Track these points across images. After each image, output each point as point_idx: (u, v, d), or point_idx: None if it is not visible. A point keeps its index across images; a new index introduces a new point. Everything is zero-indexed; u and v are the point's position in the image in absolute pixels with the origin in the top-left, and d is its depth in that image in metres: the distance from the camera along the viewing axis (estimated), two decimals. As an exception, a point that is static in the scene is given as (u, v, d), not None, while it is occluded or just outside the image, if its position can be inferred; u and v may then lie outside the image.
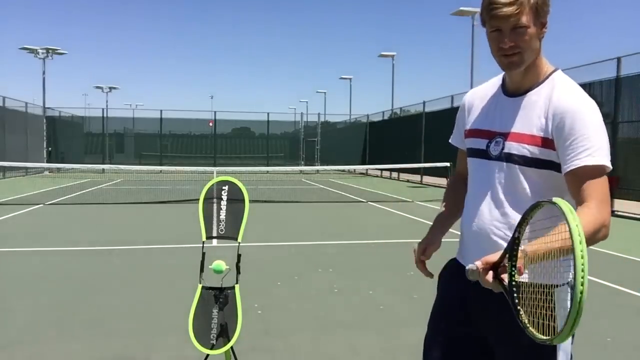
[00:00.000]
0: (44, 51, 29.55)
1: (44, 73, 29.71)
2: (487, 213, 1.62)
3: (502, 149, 1.59)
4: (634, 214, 11.84)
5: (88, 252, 7.26)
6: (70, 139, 32.14)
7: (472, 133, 1.72)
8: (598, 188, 1.45)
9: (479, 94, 1.77)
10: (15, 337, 3.92)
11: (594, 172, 1.46)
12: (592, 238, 1.39)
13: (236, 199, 2.81)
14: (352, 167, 30.48)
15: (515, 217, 1.50)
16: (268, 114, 34.76)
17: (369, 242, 8.11)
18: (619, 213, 12.25)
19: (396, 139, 25.35)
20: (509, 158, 1.57)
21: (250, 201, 2.85)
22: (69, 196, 15.00)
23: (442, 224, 1.83)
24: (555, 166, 1.53)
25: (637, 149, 12.11)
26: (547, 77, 1.60)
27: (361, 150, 31.13)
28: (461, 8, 20.91)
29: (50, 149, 29.13)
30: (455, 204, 1.83)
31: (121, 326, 4.19)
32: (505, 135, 1.59)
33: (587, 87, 13.70)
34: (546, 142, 1.53)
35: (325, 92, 53.20)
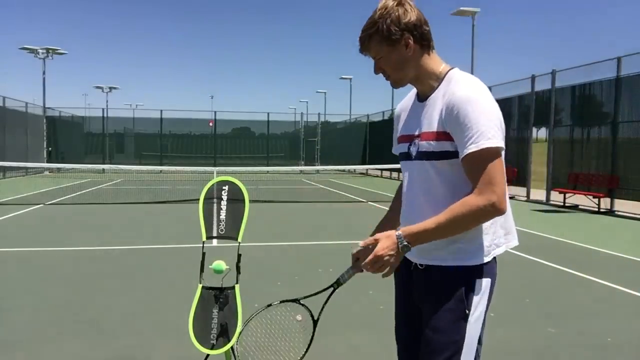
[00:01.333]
0: (44, 51, 29.54)
1: (44, 73, 29.72)
2: (410, 208, 1.84)
3: (418, 148, 1.76)
4: (634, 214, 11.84)
5: (88, 252, 7.26)
6: (70, 139, 32.14)
7: (399, 139, 1.90)
8: (483, 171, 1.60)
9: (403, 105, 1.94)
10: (15, 337, 3.92)
11: (479, 157, 1.60)
12: (469, 219, 1.62)
13: (236, 199, 2.81)
14: (352, 167, 30.47)
15: (431, 209, 1.71)
16: (268, 114, 34.80)
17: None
18: (619, 213, 12.25)
19: (396, 139, 25.27)
20: (421, 156, 1.75)
21: (250, 201, 2.85)
22: (69, 196, 15.00)
23: (379, 229, 2.06)
24: (453, 155, 1.68)
25: (637, 149, 12.11)
26: (442, 78, 1.75)
27: (361, 150, 31.12)
28: (461, 8, 20.89)
29: (50, 149, 29.13)
30: (394, 209, 2.04)
31: (121, 326, 4.19)
32: (419, 137, 1.76)
33: (587, 87, 13.72)
34: (443, 135, 1.68)
35: (325, 92, 53.19)
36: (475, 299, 1.73)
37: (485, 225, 1.73)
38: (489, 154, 1.60)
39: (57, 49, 30.02)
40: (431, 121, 1.72)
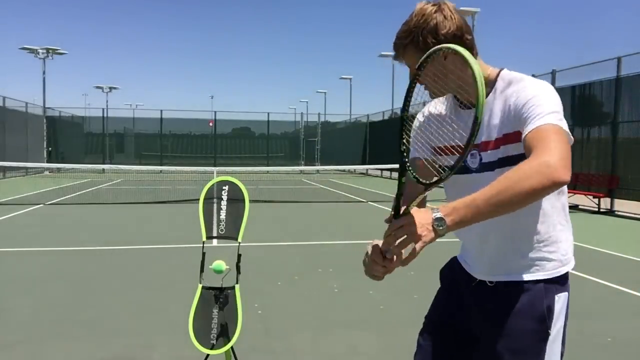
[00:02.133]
0: (44, 51, 29.57)
1: (44, 73, 29.78)
2: (479, 227, 1.51)
3: (481, 159, 1.57)
4: (634, 214, 11.84)
5: (88, 252, 7.26)
6: (70, 139, 32.16)
7: (445, 150, 1.62)
8: (544, 140, 1.37)
9: (432, 112, 1.74)
10: (15, 337, 3.92)
11: (544, 130, 1.40)
12: (521, 184, 1.29)
13: (236, 199, 2.81)
14: (352, 167, 30.48)
15: (506, 219, 1.45)
16: (268, 114, 34.83)
17: (368, 242, 8.11)
18: (619, 213, 12.25)
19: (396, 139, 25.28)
20: (488, 167, 1.56)
21: (250, 201, 2.85)
22: (69, 196, 15.00)
23: None
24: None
25: (637, 149, 12.11)
26: (494, 80, 1.59)
27: (361, 150, 31.11)
28: (461, 8, 20.89)
29: (50, 149, 29.14)
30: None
31: (121, 326, 4.19)
32: (479, 146, 1.57)
33: (587, 87, 13.72)
34: (514, 136, 1.51)
35: (325, 92, 53.18)
36: (555, 316, 1.58)
37: (561, 229, 1.60)
38: (555, 129, 1.41)
39: (57, 49, 30.05)
40: (492, 127, 1.55)
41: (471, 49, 1.55)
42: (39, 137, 27.94)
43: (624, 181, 12.36)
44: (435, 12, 1.54)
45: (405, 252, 1.37)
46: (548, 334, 1.56)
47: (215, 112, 34.41)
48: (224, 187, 2.83)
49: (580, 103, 14.16)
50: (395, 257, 1.37)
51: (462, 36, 1.54)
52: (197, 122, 34.97)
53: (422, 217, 1.32)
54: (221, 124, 34.63)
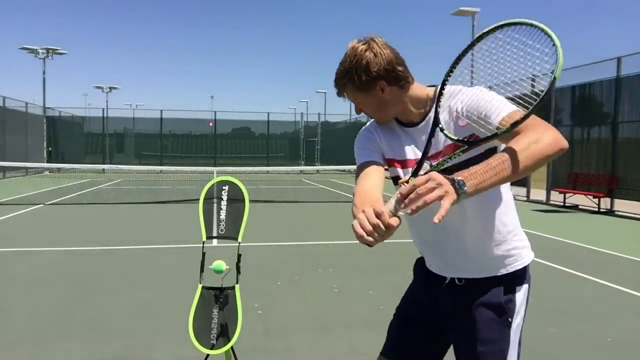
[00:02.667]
0: (44, 51, 29.57)
1: (44, 73, 29.75)
2: (440, 231, 1.71)
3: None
4: (634, 214, 11.84)
5: (88, 252, 7.26)
6: (70, 139, 32.15)
7: (401, 163, 1.76)
8: (531, 121, 1.49)
9: (379, 129, 1.83)
10: (15, 337, 3.92)
11: (515, 115, 1.51)
12: (535, 146, 1.44)
13: (236, 199, 2.81)
14: (352, 167, 30.45)
15: (465, 221, 1.70)
16: (268, 114, 34.83)
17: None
18: (619, 213, 12.25)
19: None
20: (446, 172, 1.59)
21: (250, 201, 2.85)
22: (69, 196, 15.00)
23: None
24: (486, 155, 1.54)
25: (637, 149, 12.11)
26: (433, 98, 1.70)
27: (361, 151, 31.05)
28: (461, 8, 20.89)
29: (50, 149, 29.15)
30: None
31: (121, 326, 4.19)
32: (431, 158, 1.64)
33: (587, 87, 13.72)
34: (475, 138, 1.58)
35: (325, 92, 53.14)
36: (517, 307, 1.74)
37: (517, 219, 1.77)
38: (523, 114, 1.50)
39: (57, 49, 30.04)
40: (440, 139, 1.65)
41: (404, 78, 1.66)
42: (39, 137, 27.94)
43: (624, 181, 12.36)
44: (366, 50, 1.63)
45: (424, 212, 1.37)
46: (510, 323, 1.72)
47: (215, 112, 34.45)
48: (224, 187, 2.83)
49: (580, 103, 14.16)
50: (411, 211, 1.35)
51: (394, 69, 1.64)
52: (197, 122, 34.97)
53: (447, 177, 1.33)
54: (221, 124, 34.64)
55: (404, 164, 1.75)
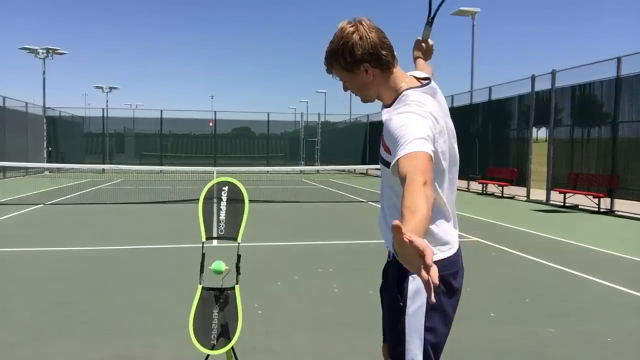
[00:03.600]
0: (44, 51, 29.54)
1: (44, 73, 29.74)
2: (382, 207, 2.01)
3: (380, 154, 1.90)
4: (634, 214, 11.83)
5: (88, 252, 7.26)
6: (70, 139, 32.12)
7: None
8: (404, 175, 1.56)
9: None
10: (15, 337, 3.92)
11: (400, 165, 1.59)
12: (424, 199, 1.46)
13: (236, 199, 2.81)
14: (352, 167, 30.47)
15: (387, 204, 1.93)
16: (268, 114, 34.76)
17: (369, 242, 8.11)
18: (619, 213, 12.25)
19: None
20: (382, 161, 1.90)
21: (250, 201, 2.85)
22: (69, 196, 15.00)
23: None
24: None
25: (637, 149, 12.11)
26: (398, 96, 1.83)
27: (361, 150, 31.12)
28: (461, 8, 20.90)
29: (50, 149, 29.13)
30: None
31: (121, 326, 4.19)
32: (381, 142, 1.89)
33: (587, 87, 13.72)
34: (387, 147, 1.78)
35: (325, 92, 53.23)
36: (410, 293, 1.82)
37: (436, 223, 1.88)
38: (407, 159, 1.59)
39: (57, 49, 30.02)
40: (383, 130, 1.83)
41: (387, 63, 1.78)
42: (39, 137, 27.93)
43: (624, 181, 12.35)
44: (353, 33, 1.75)
45: None
46: (403, 308, 1.83)
47: (215, 112, 34.38)
48: (223, 188, 2.83)
49: (580, 103, 14.16)
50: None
51: (378, 53, 1.76)
52: (197, 122, 34.92)
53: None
54: (221, 124, 34.60)
55: None
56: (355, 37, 1.74)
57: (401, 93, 1.82)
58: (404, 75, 1.87)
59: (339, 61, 1.79)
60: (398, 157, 1.60)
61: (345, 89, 1.88)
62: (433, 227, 1.84)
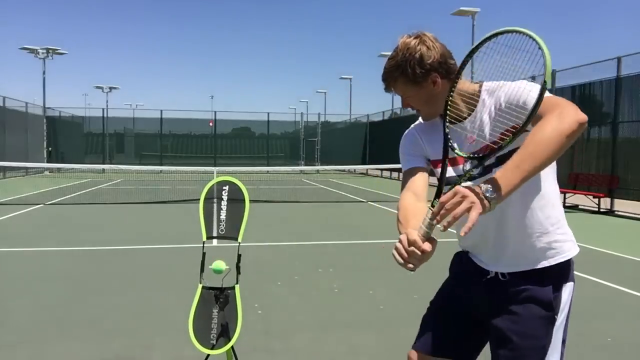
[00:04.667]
0: (44, 51, 29.53)
1: (44, 73, 29.71)
2: (487, 224, 1.69)
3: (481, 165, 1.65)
4: (634, 214, 11.84)
5: (88, 252, 7.26)
6: (70, 139, 32.13)
7: (437, 164, 1.78)
8: (552, 100, 1.52)
9: (423, 129, 1.89)
10: (15, 337, 3.92)
11: (548, 98, 1.51)
12: (555, 133, 1.42)
13: (236, 199, 2.81)
14: (352, 167, 30.47)
15: (513, 213, 1.69)
16: (268, 114, 34.79)
17: (369, 242, 8.11)
18: (619, 213, 12.25)
19: (396, 139, 25.13)
20: (487, 169, 1.66)
21: (250, 201, 2.85)
22: (69, 196, 15.00)
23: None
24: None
25: (637, 149, 12.11)
26: (479, 94, 1.73)
27: (361, 150, 31.11)
28: (461, 8, 20.90)
29: (50, 149, 29.12)
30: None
31: (121, 326, 4.19)
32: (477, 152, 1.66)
33: (587, 87, 13.73)
34: (509, 132, 1.55)
35: (325, 92, 53.09)
36: (563, 304, 1.72)
37: (563, 211, 1.76)
38: (553, 96, 1.55)
39: (57, 49, 30.01)
40: (485, 133, 1.67)
41: (454, 72, 1.70)
42: (39, 137, 27.93)
43: (624, 181, 12.36)
44: (419, 44, 1.66)
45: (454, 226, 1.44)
46: (554, 320, 1.69)
47: (215, 112, 34.40)
48: (224, 188, 2.83)
49: (580, 103, 14.04)
50: (443, 227, 1.40)
51: (446, 62, 1.69)
52: (197, 122, 34.94)
53: (473, 189, 1.38)
54: (221, 124, 34.61)
55: (452, 162, 1.73)
56: (423, 47, 1.66)
57: (482, 88, 1.73)
58: (468, 81, 1.78)
59: (405, 74, 1.67)
60: (541, 93, 1.47)
61: (406, 105, 1.76)
62: (563, 216, 1.77)
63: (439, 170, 1.76)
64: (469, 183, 1.53)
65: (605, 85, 13.07)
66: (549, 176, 1.71)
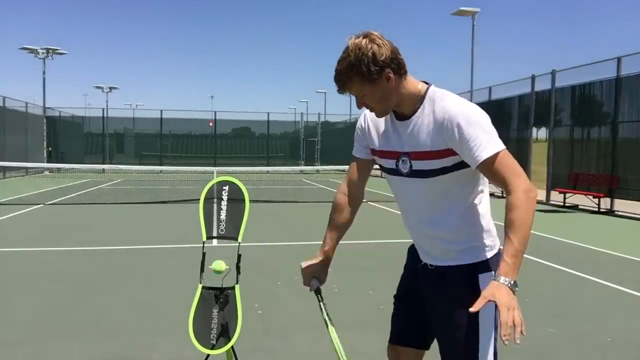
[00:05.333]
0: (44, 51, 29.53)
1: (44, 73, 29.72)
2: (416, 221, 1.95)
3: (411, 167, 1.85)
4: (634, 214, 11.84)
5: (88, 252, 7.26)
6: (70, 139, 32.13)
7: (381, 154, 1.96)
8: (505, 169, 1.70)
9: (373, 119, 2.00)
10: (16, 337, 3.92)
11: (495, 160, 1.70)
12: (530, 212, 1.71)
13: (237, 199, 2.81)
14: (352, 167, 30.41)
15: (435, 217, 1.87)
16: (268, 114, 34.79)
17: (369, 242, 8.11)
18: (619, 213, 12.25)
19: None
20: (417, 174, 1.84)
21: (251, 201, 2.85)
22: (69, 196, 15.00)
23: (325, 254, 2.19)
24: (461, 165, 1.78)
25: (637, 149, 12.11)
26: (423, 98, 1.82)
27: (361, 150, 31.04)
28: (461, 8, 20.90)
29: (50, 149, 29.13)
30: (337, 225, 2.21)
31: (121, 326, 4.19)
32: (408, 155, 1.85)
33: (587, 87, 13.73)
34: (446, 152, 1.76)
35: (325, 92, 53.11)
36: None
37: (487, 220, 1.91)
38: (502, 156, 1.71)
39: (57, 49, 30.01)
40: (421, 141, 1.81)
41: (404, 67, 1.79)
42: (39, 137, 27.92)
43: (624, 181, 12.35)
44: (369, 43, 1.73)
45: None
46: (476, 317, 1.80)
47: (215, 112, 34.39)
48: (224, 187, 2.83)
49: (580, 103, 14.16)
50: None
51: (397, 57, 1.76)
52: (197, 122, 34.94)
53: (507, 293, 1.60)
54: (221, 124, 34.61)
55: (383, 154, 1.94)
56: (374, 45, 1.72)
57: (427, 92, 1.82)
58: (414, 79, 1.87)
59: (360, 72, 1.73)
60: (493, 151, 1.69)
61: (361, 105, 1.83)
62: (488, 219, 1.91)
63: (378, 159, 1.99)
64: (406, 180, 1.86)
65: (605, 85, 13.06)
66: (466, 189, 1.85)
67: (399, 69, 1.77)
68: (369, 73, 1.72)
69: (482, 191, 1.89)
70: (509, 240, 1.66)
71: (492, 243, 1.90)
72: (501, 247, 1.86)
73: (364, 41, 1.72)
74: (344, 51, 1.75)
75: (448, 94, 1.79)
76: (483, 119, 1.73)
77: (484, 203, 1.90)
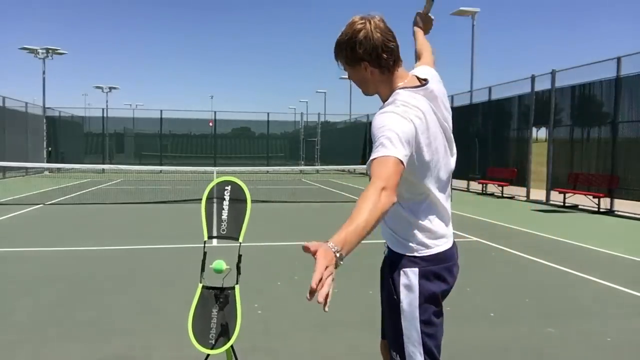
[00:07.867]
0: (44, 51, 29.52)
1: (44, 73, 29.70)
2: None
3: None
4: (634, 214, 11.84)
5: (88, 252, 7.26)
6: (70, 139, 32.12)
7: None
8: (372, 172, 1.68)
9: None
10: (16, 337, 3.92)
11: (370, 168, 1.69)
12: (371, 207, 1.61)
13: (238, 199, 2.81)
14: (352, 167, 30.45)
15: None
16: (268, 114, 34.76)
17: (368, 242, 8.09)
18: (619, 213, 12.25)
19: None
20: None
21: (251, 201, 2.85)
22: (69, 196, 15.00)
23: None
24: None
25: (637, 149, 12.11)
26: (390, 97, 1.87)
27: (361, 150, 31.10)
28: (461, 8, 20.90)
29: (50, 149, 29.12)
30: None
31: (121, 326, 4.19)
32: None
33: (587, 87, 13.72)
34: None
35: (325, 92, 53.13)
36: (399, 287, 1.89)
37: (413, 227, 1.92)
38: (375, 162, 1.68)
39: (57, 49, 29.99)
40: None
41: (387, 65, 1.81)
42: (39, 137, 27.91)
43: (624, 181, 12.35)
44: (359, 31, 1.78)
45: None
46: (397, 302, 1.89)
47: (215, 112, 34.37)
48: (226, 187, 2.83)
49: (580, 103, 14.16)
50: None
51: (378, 55, 1.79)
52: (197, 122, 34.92)
53: (326, 254, 1.54)
54: (221, 124, 34.59)
55: None
56: (361, 35, 1.78)
57: (394, 91, 1.86)
58: (404, 75, 1.90)
59: (342, 54, 1.85)
60: (370, 159, 1.69)
61: (349, 77, 1.96)
62: (426, 222, 1.90)
63: None
64: None
65: (605, 85, 13.06)
66: (404, 189, 1.85)
67: (379, 66, 1.81)
68: (346, 57, 1.84)
69: (425, 197, 1.89)
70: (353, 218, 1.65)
71: (427, 243, 1.90)
72: (439, 252, 1.91)
73: (357, 26, 1.79)
74: (346, 25, 1.84)
75: (393, 103, 1.80)
76: (378, 130, 1.72)
77: (425, 207, 1.90)
